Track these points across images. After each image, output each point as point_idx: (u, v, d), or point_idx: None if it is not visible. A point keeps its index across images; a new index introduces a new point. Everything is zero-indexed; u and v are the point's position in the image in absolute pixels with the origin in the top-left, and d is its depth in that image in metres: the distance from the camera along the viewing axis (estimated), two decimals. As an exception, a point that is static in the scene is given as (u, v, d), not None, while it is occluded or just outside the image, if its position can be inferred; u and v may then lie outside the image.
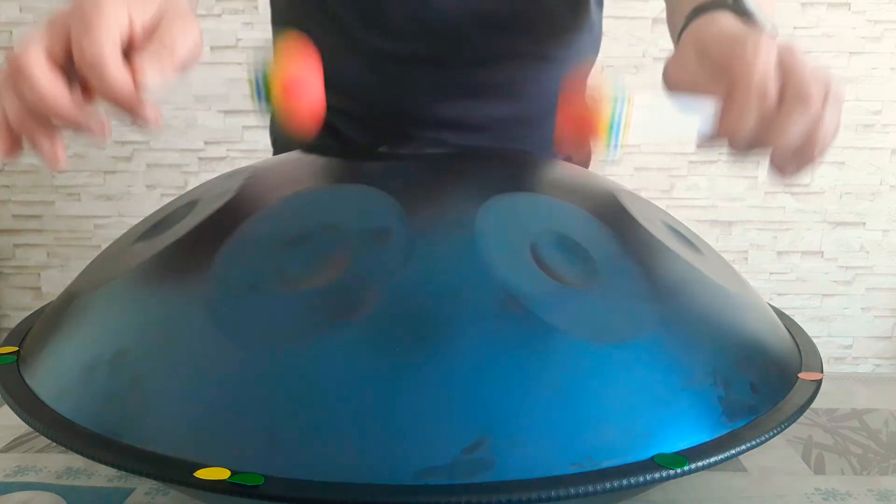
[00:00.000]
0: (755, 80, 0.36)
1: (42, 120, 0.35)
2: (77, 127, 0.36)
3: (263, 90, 0.33)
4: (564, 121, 0.33)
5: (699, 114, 0.38)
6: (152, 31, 0.37)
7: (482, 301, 0.34)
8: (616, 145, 0.32)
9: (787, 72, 0.37)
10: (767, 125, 0.37)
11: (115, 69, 0.34)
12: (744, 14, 0.43)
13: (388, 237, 0.37)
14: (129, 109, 0.36)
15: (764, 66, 0.36)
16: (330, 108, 0.68)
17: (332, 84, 0.67)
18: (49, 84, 0.34)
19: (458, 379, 0.32)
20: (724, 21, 0.42)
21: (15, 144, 0.36)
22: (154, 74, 0.35)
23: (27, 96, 0.34)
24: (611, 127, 0.32)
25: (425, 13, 0.61)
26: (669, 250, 0.42)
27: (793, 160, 0.39)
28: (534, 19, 0.64)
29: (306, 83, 0.33)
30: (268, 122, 0.79)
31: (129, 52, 0.36)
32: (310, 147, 0.58)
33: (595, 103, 0.32)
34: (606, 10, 0.72)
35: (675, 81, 0.42)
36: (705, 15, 0.44)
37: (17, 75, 0.34)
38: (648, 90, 0.35)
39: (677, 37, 0.48)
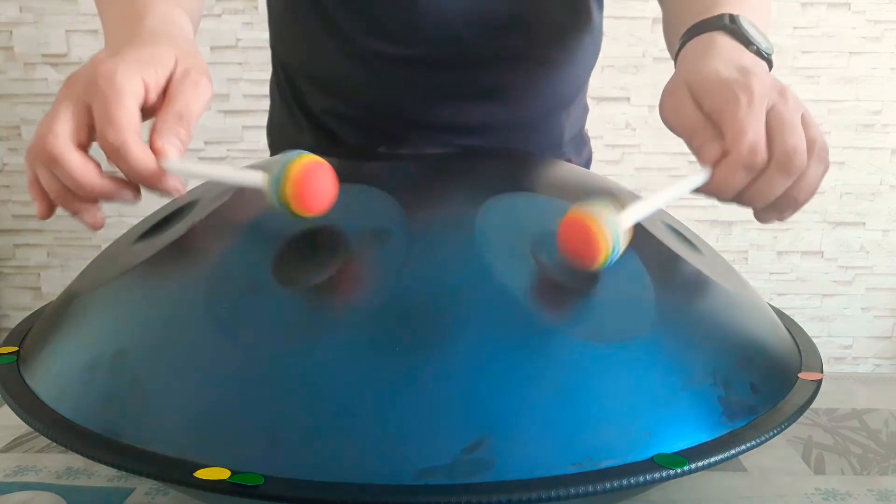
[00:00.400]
0: (744, 149, 0.37)
1: (79, 196, 0.38)
2: (111, 199, 0.38)
3: (278, 198, 0.36)
4: (565, 242, 0.36)
5: (688, 184, 0.39)
6: (167, 92, 0.39)
7: (482, 301, 0.34)
8: (612, 262, 0.35)
9: (776, 131, 0.37)
10: (752, 185, 0.38)
11: (136, 154, 0.36)
12: (740, 36, 0.44)
13: (387, 237, 0.37)
14: (152, 186, 0.38)
15: (753, 133, 0.37)
16: (327, 111, 0.68)
17: (328, 87, 0.67)
18: (82, 170, 0.36)
19: (458, 379, 0.32)
20: (719, 55, 0.42)
21: (51, 209, 0.39)
22: (173, 152, 0.37)
23: (64, 181, 0.37)
24: (610, 255, 0.35)
25: (421, 16, 0.61)
26: (670, 250, 0.42)
27: (774, 211, 0.41)
28: (531, 22, 0.63)
29: (319, 195, 0.36)
30: (266, 123, 0.79)
31: (146, 113, 0.38)
32: (310, 148, 0.58)
33: (594, 232, 0.34)
34: (606, 10, 0.71)
35: (671, 124, 0.42)
36: (701, 36, 0.44)
37: (50, 162, 0.37)
38: (634, 206, 0.37)
39: (675, 54, 0.48)
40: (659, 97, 0.44)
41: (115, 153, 0.36)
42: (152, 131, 0.38)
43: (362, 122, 0.67)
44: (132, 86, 0.36)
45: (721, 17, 0.45)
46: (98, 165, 0.38)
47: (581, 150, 0.76)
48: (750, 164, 0.37)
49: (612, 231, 0.34)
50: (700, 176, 0.39)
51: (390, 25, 0.62)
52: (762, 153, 0.37)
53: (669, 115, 0.42)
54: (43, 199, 0.39)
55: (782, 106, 0.38)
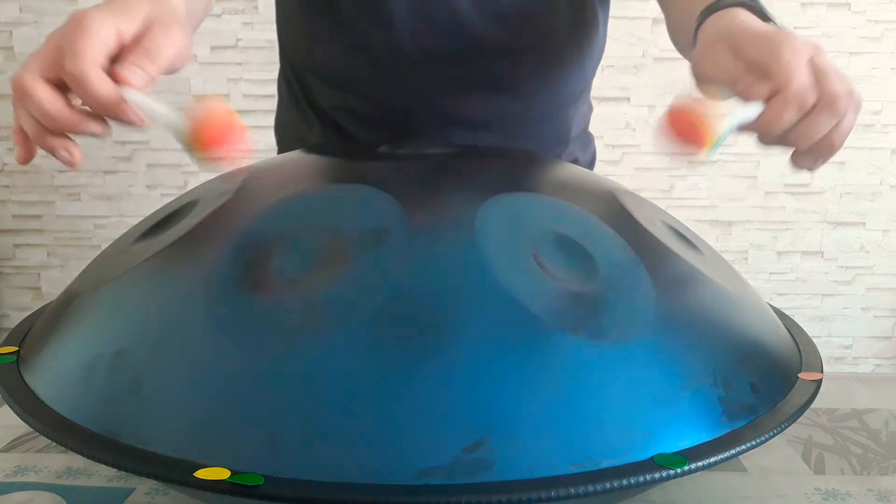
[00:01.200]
0: (795, 88, 0.39)
1: (52, 131, 0.39)
2: (81, 132, 0.40)
3: (186, 148, 0.40)
4: (675, 128, 0.39)
5: (747, 111, 0.41)
6: (140, 40, 0.40)
7: (482, 301, 0.34)
8: (714, 153, 0.39)
9: (819, 77, 0.40)
10: (799, 125, 0.40)
11: (95, 83, 0.37)
12: (758, 12, 0.45)
13: (388, 237, 0.37)
14: (113, 116, 0.39)
15: (802, 75, 0.39)
16: (335, 107, 0.68)
17: (336, 82, 0.67)
18: (50, 102, 0.38)
19: (458, 379, 0.32)
20: (747, 18, 0.44)
21: (30, 152, 0.41)
22: (135, 80, 0.39)
23: (35, 114, 0.39)
24: (717, 143, 0.38)
25: (429, 8, 0.62)
26: (669, 250, 0.42)
27: (812, 156, 0.42)
28: (538, 15, 0.64)
29: (225, 142, 0.39)
30: (272, 123, 0.80)
31: (119, 59, 0.40)
32: (311, 147, 0.58)
33: (706, 119, 0.38)
34: (606, 11, 0.72)
35: (709, 75, 0.44)
36: (722, 11, 0.46)
37: (22, 97, 0.38)
38: (728, 105, 0.40)
39: (693, 36, 0.49)
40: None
41: (76, 81, 0.37)
42: (115, 62, 0.39)
43: (371, 116, 0.67)
44: (101, 28, 0.38)
45: None
46: (67, 98, 0.39)
47: (587, 148, 0.77)
48: (801, 104, 0.39)
49: (729, 121, 0.38)
50: (754, 108, 0.41)
51: (398, 16, 0.62)
52: (811, 93, 0.39)
53: (708, 66, 0.44)
54: (23, 144, 0.40)
55: (820, 58, 0.40)
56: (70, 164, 0.41)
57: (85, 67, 0.37)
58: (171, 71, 0.42)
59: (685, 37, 0.52)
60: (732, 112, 0.39)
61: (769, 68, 0.40)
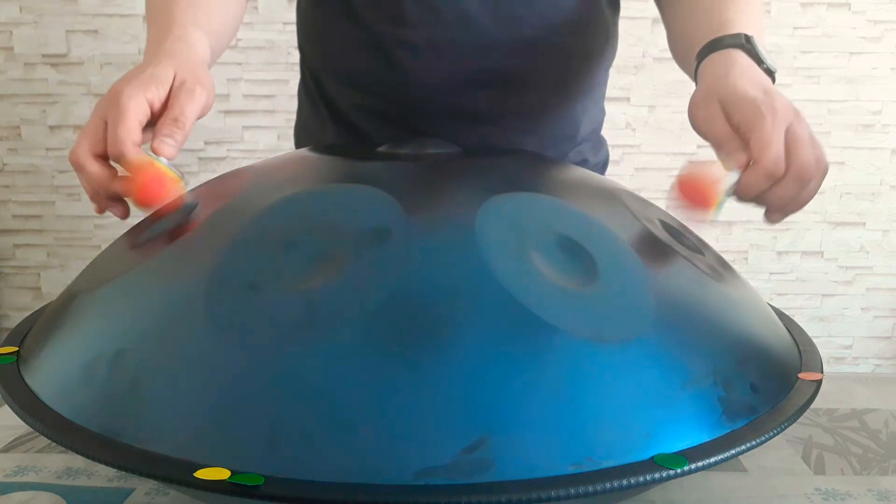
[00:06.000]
0: (766, 161, 0.44)
1: (105, 194, 0.46)
2: (128, 195, 0.45)
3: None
4: (685, 193, 0.44)
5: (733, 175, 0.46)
6: (167, 101, 0.47)
7: (482, 301, 0.34)
8: (717, 215, 0.45)
9: (792, 145, 0.44)
10: (771, 190, 0.45)
11: (133, 162, 0.44)
12: (754, 55, 0.50)
13: (387, 237, 0.37)
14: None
15: (776, 148, 0.44)
16: (353, 106, 0.70)
17: (353, 81, 0.69)
18: (97, 175, 0.45)
19: (458, 379, 0.32)
20: (742, 73, 0.48)
21: (103, 209, 0.47)
22: (166, 152, 0.45)
23: (89, 184, 0.46)
24: (719, 206, 0.44)
25: (437, 2, 0.63)
26: (670, 250, 0.42)
27: (782, 213, 0.47)
28: (543, 9, 0.65)
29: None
30: (272, 123, 0.80)
31: (154, 129, 0.46)
32: (312, 148, 0.58)
33: (711, 188, 0.43)
34: (606, 10, 0.72)
35: (702, 131, 0.49)
36: (721, 52, 0.51)
37: (78, 171, 0.45)
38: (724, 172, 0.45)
39: (694, 68, 0.53)
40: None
41: (118, 161, 0.44)
42: (153, 135, 0.45)
43: (385, 113, 0.69)
44: (135, 105, 0.45)
45: (738, 35, 0.51)
46: (114, 170, 0.45)
47: (598, 151, 0.79)
48: (772, 174, 0.44)
49: (728, 188, 0.44)
50: (735, 174, 0.45)
51: (407, 9, 0.64)
52: (783, 165, 0.44)
53: (701, 124, 0.49)
54: (94, 200, 0.47)
55: (798, 125, 0.44)
56: (122, 218, 0.47)
57: (124, 150, 0.44)
58: (198, 119, 0.48)
59: (684, 60, 0.58)
60: (726, 178, 0.44)
61: (750, 138, 0.45)
